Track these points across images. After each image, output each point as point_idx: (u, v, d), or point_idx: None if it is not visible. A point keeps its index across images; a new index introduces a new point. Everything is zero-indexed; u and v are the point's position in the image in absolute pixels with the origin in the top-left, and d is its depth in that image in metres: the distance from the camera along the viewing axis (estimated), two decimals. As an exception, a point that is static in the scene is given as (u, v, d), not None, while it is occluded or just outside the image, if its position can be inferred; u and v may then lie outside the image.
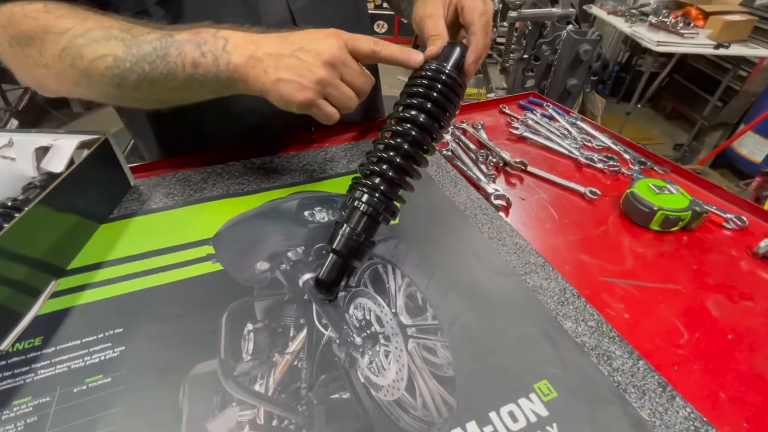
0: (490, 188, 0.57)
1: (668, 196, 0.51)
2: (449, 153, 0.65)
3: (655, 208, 0.49)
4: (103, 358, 0.35)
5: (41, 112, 2.74)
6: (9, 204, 0.41)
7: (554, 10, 1.31)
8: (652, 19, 2.34)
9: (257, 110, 0.58)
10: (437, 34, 0.43)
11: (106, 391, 0.32)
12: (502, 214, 0.53)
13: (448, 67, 0.41)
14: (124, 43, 0.40)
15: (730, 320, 0.41)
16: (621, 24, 2.46)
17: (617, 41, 3.26)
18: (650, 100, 3.22)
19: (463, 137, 0.69)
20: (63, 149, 0.45)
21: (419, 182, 0.57)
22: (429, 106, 0.40)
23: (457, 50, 0.43)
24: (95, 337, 0.36)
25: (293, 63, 0.39)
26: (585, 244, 0.50)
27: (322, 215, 0.50)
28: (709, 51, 2.15)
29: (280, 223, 0.49)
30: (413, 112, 0.40)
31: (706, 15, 2.26)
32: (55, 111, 2.78)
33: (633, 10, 2.57)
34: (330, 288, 0.39)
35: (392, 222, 0.50)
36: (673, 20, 2.25)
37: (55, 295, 0.40)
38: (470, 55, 0.43)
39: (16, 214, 0.40)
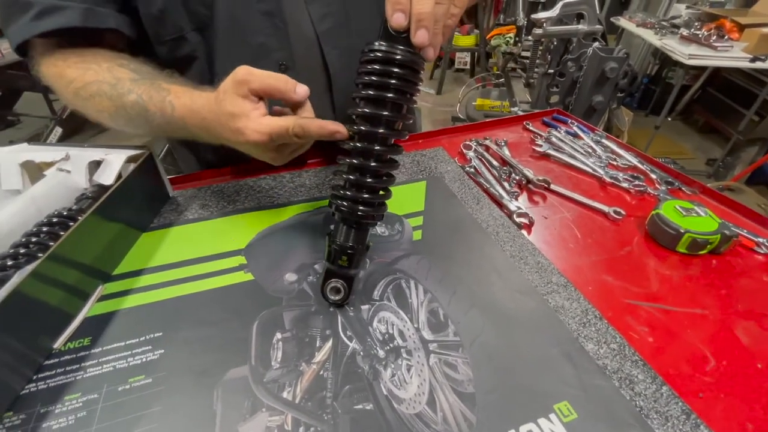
0: (512, 206, 0.58)
1: (696, 219, 0.50)
2: (472, 170, 0.66)
3: (682, 231, 0.49)
4: (144, 359, 0.37)
5: (82, 120, 2.90)
6: (65, 213, 0.45)
7: (580, 27, 1.30)
8: (684, 31, 2.29)
9: None
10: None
11: (147, 391, 0.35)
12: (524, 232, 0.54)
13: (375, 42, 0.36)
14: (112, 101, 0.47)
15: (761, 349, 0.40)
16: (650, 36, 2.42)
17: (646, 53, 3.19)
18: (681, 113, 3.13)
19: (486, 154, 0.70)
20: (113, 163, 0.49)
21: (442, 198, 0.58)
22: (364, 92, 0.37)
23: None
24: (137, 339, 0.39)
25: (246, 149, 0.44)
26: (608, 264, 0.49)
27: (347, 229, 0.52)
28: (744, 65, 2.08)
29: (308, 236, 0.51)
30: (357, 110, 0.38)
31: (742, 27, 2.19)
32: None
33: (663, 23, 2.52)
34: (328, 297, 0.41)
35: (415, 237, 0.51)
36: (705, 33, 2.19)
37: (102, 298, 0.43)
38: (387, 7, 0.34)
39: (70, 223, 0.43)
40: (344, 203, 0.39)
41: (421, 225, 0.53)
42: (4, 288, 0.35)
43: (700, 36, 2.17)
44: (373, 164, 0.38)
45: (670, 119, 3.13)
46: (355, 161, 0.38)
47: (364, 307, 0.42)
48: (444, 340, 0.39)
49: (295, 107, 0.43)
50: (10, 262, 0.38)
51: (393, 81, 0.35)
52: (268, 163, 0.45)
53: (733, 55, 2.08)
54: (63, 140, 2.67)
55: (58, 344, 0.38)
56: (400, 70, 0.35)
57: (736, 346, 0.40)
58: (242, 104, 0.40)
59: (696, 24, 2.36)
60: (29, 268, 0.36)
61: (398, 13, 0.33)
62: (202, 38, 0.55)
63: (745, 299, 0.45)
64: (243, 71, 0.40)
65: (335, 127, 0.40)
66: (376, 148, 0.38)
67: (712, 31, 2.20)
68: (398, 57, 0.34)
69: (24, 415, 0.33)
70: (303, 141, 0.43)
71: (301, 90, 0.41)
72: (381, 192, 0.41)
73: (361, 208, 0.39)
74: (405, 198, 0.59)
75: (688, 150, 2.86)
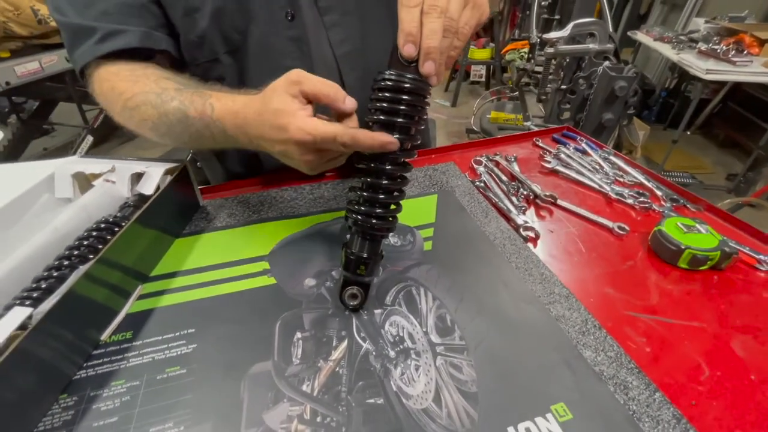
0: (519, 220, 0.60)
1: (697, 236, 0.52)
2: (482, 184, 0.70)
3: (683, 247, 0.51)
4: (179, 352, 0.42)
5: (111, 129, 3.06)
6: (111, 220, 0.50)
7: (591, 46, 1.33)
8: (702, 46, 2.28)
9: None
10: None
11: (182, 380, 0.39)
12: (530, 245, 0.57)
13: (386, 71, 0.40)
14: (156, 110, 0.49)
15: (756, 361, 0.42)
16: (668, 51, 2.41)
17: (664, 67, 3.17)
18: (701, 127, 3.09)
19: (495, 169, 0.73)
20: (153, 175, 0.54)
21: (452, 211, 0.62)
22: (376, 117, 0.40)
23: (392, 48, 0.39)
24: (173, 334, 0.43)
25: (283, 157, 0.45)
26: (611, 278, 0.52)
27: (362, 239, 0.56)
28: (764, 80, 2.06)
29: (326, 244, 0.55)
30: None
31: (762, 42, 2.17)
32: (123, 127, 3.10)
33: (681, 37, 2.51)
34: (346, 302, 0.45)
35: (425, 248, 0.55)
36: (724, 48, 2.18)
37: (141, 297, 0.48)
38: (399, 38, 0.37)
39: (116, 229, 0.49)
40: (359, 217, 0.43)
41: (431, 236, 0.57)
42: (62, 287, 0.40)
43: (718, 51, 2.16)
44: (385, 182, 0.42)
45: (689, 133, 3.09)
46: (368, 179, 0.42)
47: (377, 312, 0.46)
48: (450, 343, 0.42)
49: (340, 117, 0.43)
50: (65, 263, 0.43)
51: (402, 107, 0.39)
52: (289, 175, 0.46)
53: (753, 70, 2.06)
54: (93, 148, 2.82)
55: (104, 336, 0.43)
56: (409, 97, 0.39)
57: (731, 358, 0.42)
58: (290, 102, 0.40)
59: (715, 39, 2.34)
60: (83, 269, 0.41)
61: (409, 44, 0.37)
62: (234, 60, 0.60)
63: (743, 314, 0.47)
64: (296, 73, 0.41)
65: (387, 138, 0.39)
66: (388, 167, 0.42)
67: (731, 45, 2.19)
68: (407, 85, 0.38)
69: (76, 397, 0.37)
70: (346, 151, 0.43)
71: (350, 102, 0.42)
72: (393, 206, 0.45)
73: (374, 221, 0.42)
74: (417, 210, 0.62)
75: (708, 164, 2.81)
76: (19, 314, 0.35)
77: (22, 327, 0.35)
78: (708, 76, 2.05)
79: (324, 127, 0.40)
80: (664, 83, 3.28)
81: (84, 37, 0.52)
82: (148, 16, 0.53)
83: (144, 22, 0.53)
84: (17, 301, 0.38)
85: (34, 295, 0.39)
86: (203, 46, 0.57)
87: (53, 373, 0.38)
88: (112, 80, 0.53)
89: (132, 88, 0.51)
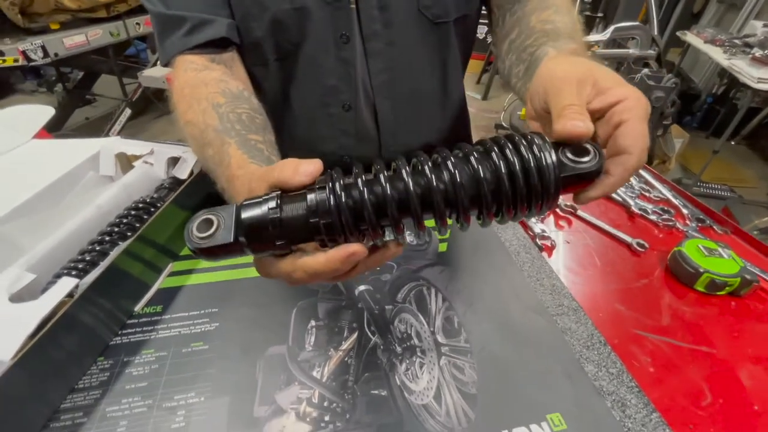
0: (537, 228, 0.61)
1: (717, 260, 0.51)
2: (503, 189, 0.70)
3: (701, 270, 0.50)
4: (203, 329, 0.45)
5: (148, 103, 3.17)
6: (148, 200, 0.53)
7: (631, 51, 1.27)
8: (756, 52, 2.14)
9: (336, 153, 0.66)
10: (573, 104, 0.29)
11: (204, 355, 0.42)
12: (545, 254, 0.57)
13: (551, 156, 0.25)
14: (198, 145, 0.44)
15: (761, 392, 0.41)
16: (718, 55, 2.27)
17: (713, 72, 3.00)
18: (747, 137, 2.92)
19: (518, 174, 0.73)
20: (188, 160, 0.57)
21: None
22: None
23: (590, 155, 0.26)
24: (198, 312, 0.47)
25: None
26: (623, 294, 0.52)
27: (380, 235, 0.58)
28: (822, 92, 1.92)
29: (345, 237, 0.58)
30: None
31: (825, 51, 2.02)
32: (158, 102, 3.21)
33: (735, 41, 2.36)
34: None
35: (440, 249, 0.56)
36: (781, 55, 2.04)
37: (172, 274, 0.52)
38: (598, 187, 0.28)
39: (152, 209, 0.52)
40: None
41: (447, 238, 0.58)
42: (104, 261, 0.44)
43: (774, 58, 2.02)
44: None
45: (733, 143, 2.93)
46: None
47: (388, 308, 0.48)
48: (455, 345, 0.44)
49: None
50: (107, 238, 0.47)
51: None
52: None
53: (811, 82, 1.92)
54: (131, 120, 2.94)
55: (138, 307, 0.47)
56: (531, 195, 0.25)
57: (736, 386, 0.42)
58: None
59: (772, 44, 2.19)
60: (123, 245, 0.45)
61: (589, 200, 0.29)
62: (281, 68, 0.58)
63: (757, 344, 0.46)
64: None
65: (352, 250, 0.26)
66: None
67: (789, 53, 2.05)
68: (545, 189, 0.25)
69: (112, 361, 0.42)
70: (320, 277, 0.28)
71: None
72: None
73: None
74: (435, 211, 0.63)
75: (750, 178, 2.67)
76: (67, 283, 0.39)
77: (70, 295, 0.39)
78: (759, 86, 1.93)
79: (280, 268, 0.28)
80: (711, 89, 3.10)
81: (173, 28, 0.50)
82: (229, 10, 0.53)
83: (228, 13, 0.52)
84: (65, 271, 0.42)
85: (80, 266, 0.43)
86: (255, 51, 0.56)
87: (93, 337, 0.42)
88: (176, 95, 0.48)
89: (186, 114, 0.46)
